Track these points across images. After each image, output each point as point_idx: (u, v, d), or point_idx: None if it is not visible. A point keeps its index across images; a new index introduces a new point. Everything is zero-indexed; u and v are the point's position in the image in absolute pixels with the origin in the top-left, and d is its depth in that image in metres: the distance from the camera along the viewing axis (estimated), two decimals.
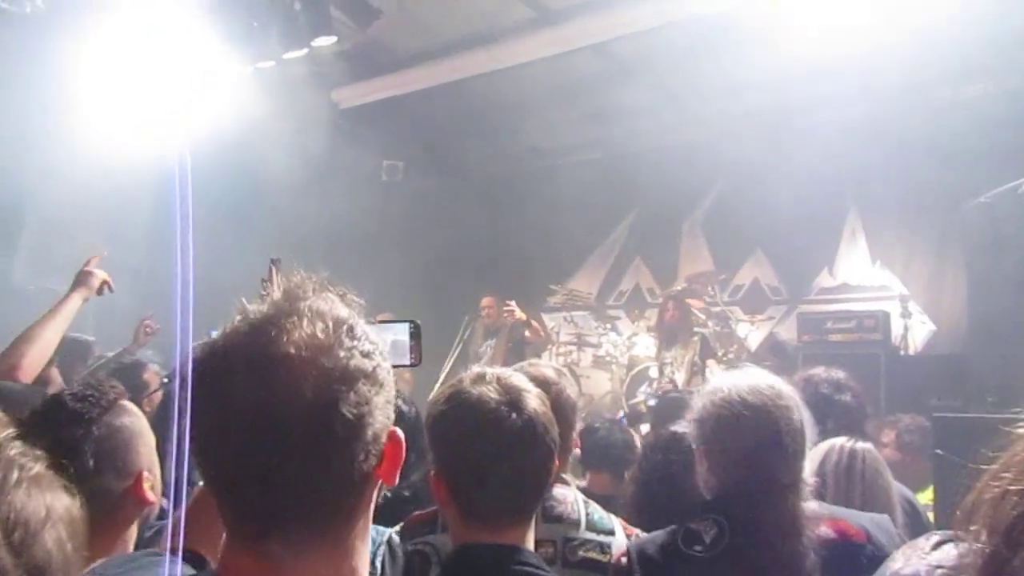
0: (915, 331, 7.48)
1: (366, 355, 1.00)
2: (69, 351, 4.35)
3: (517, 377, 1.77)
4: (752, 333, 8.74)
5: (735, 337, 8.56)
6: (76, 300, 3.00)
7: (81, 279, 3.07)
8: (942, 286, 7.91)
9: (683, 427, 2.84)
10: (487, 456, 1.64)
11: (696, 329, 7.59)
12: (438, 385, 8.06)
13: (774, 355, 8.20)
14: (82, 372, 4.45)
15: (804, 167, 7.34)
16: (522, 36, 7.40)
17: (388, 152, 9.91)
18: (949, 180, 7.03)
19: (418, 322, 1.56)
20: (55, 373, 3.81)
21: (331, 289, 1.08)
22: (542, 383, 2.08)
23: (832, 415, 2.83)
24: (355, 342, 1.00)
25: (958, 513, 0.98)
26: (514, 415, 1.66)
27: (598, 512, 2.20)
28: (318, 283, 1.07)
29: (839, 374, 3.12)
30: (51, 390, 3.28)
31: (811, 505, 1.98)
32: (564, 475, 2.26)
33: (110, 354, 5.05)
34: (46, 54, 6.85)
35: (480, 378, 1.74)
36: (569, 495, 2.20)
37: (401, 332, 1.56)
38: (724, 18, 6.54)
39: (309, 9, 6.22)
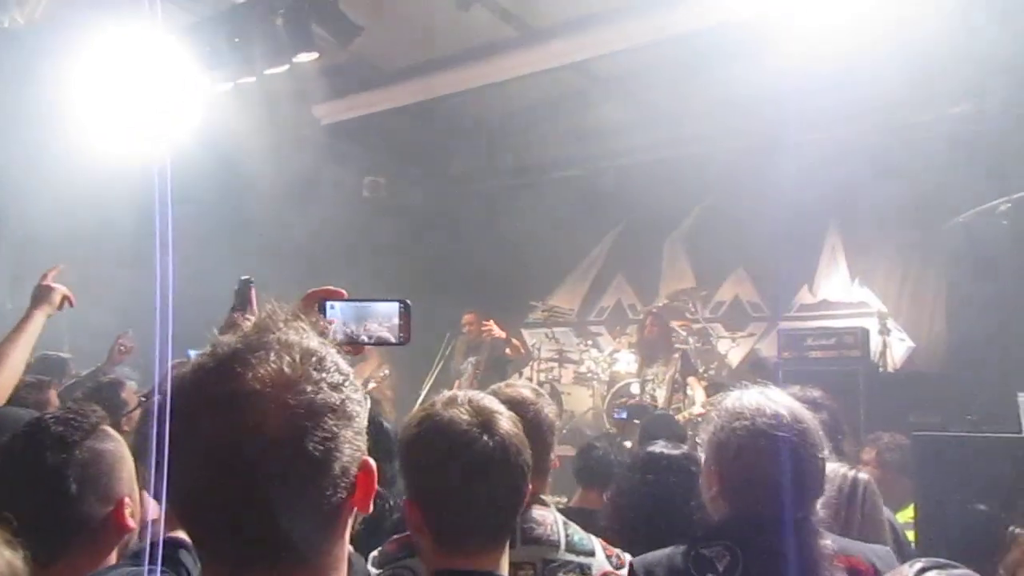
0: (894, 348, 7.52)
1: (335, 387, 0.99)
2: (45, 369, 4.27)
3: (489, 399, 1.75)
4: (733, 350, 8.77)
5: (716, 353, 8.59)
6: (39, 318, 2.90)
7: (41, 294, 2.93)
8: (921, 304, 7.98)
9: (660, 447, 2.83)
10: (458, 480, 1.62)
11: (677, 346, 7.60)
12: (419, 402, 8.03)
13: (755, 372, 8.23)
14: (58, 390, 4.37)
15: (785, 186, 7.39)
16: (504, 54, 7.43)
17: (370, 168, 9.90)
18: (929, 199, 7.10)
19: (408, 301, 1.56)
20: (53, 395, 3.71)
21: (303, 317, 1.06)
22: (519, 403, 2.07)
23: None
24: (323, 375, 0.99)
25: (1001, 571, 0.97)
26: (485, 437, 1.64)
27: (578, 533, 2.18)
28: (290, 312, 1.06)
29: (815, 392, 3.09)
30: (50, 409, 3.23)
31: (825, 540, 1.93)
32: (543, 496, 2.24)
33: (84, 372, 4.98)
34: (26, 69, 6.80)
35: (452, 401, 1.73)
36: (548, 516, 2.17)
37: (391, 310, 1.56)
38: (706, 38, 6.60)
39: (291, 25, 6.21)
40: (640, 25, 6.73)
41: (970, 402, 4.26)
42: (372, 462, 1.03)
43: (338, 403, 0.98)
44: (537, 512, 2.15)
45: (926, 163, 7.13)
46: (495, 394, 2.10)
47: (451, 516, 1.63)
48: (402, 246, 9.56)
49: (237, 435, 0.92)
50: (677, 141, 8.95)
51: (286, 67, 6.47)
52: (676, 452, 2.78)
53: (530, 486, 1.73)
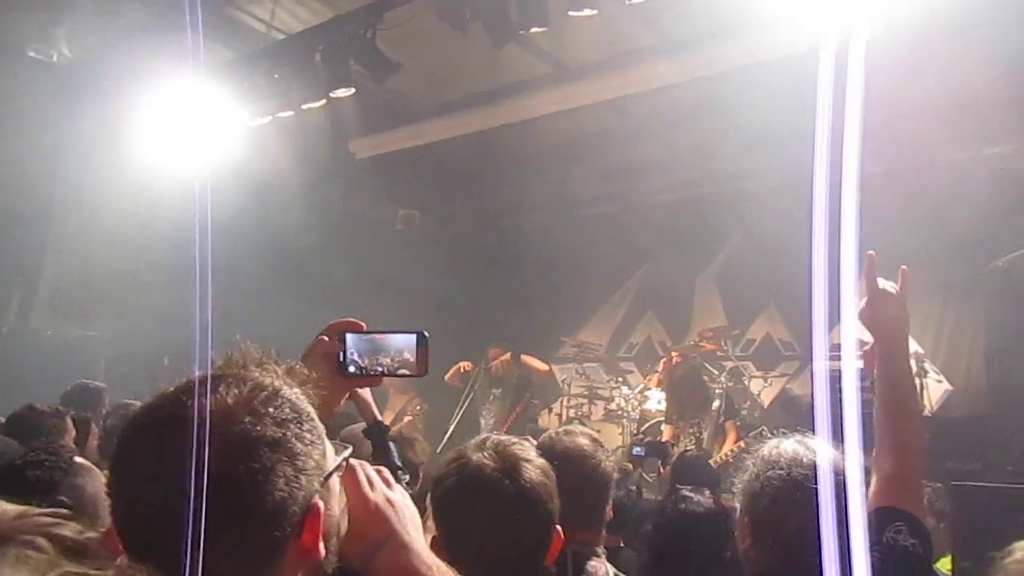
0: (931, 389, 7.37)
1: (278, 423, 0.99)
2: (81, 399, 4.30)
3: (520, 446, 1.75)
4: (765, 389, 8.65)
5: (748, 393, 8.47)
6: None
7: None
8: (959, 347, 7.83)
9: (690, 494, 2.77)
10: (478, 523, 1.63)
11: (716, 390, 7.43)
12: (446, 436, 8.01)
13: (787, 412, 8.10)
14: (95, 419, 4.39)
15: (818, 224, 7.30)
16: (538, 91, 7.48)
17: (404, 202, 9.98)
18: (967, 240, 6.99)
19: (426, 332, 1.56)
20: (69, 424, 3.71)
21: (277, 361, 1.08)
22: (578, 456, 2.05)
23: None
24: (269, 409, 0.99)
25: None
26: (507, 483, 1.65)
27: None
28: (264, 354, 1.08)
29: None
30: (67, 439, 3.27)
31: None
32: (598, 547, 2.20)
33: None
34: (72, 101, 6.98)
35: (482, 444, 1.74)
36: (600, 569, 2.14)
37: (408, 342, 1.57)
38: (737, 77, 6.59)
39: (329, 62, 6.32)
40: (672, 65, 6.76)
41: (1009, 449, 4.15)
42: (322, 506, 1.02)
43: (278, 437, 0.98)
44: (591, 564, 2.12)
45: (964, 203, 7.03)
46: (552, 441, 2.09)
47: (471, 559, 1.62)
48: (434, 279, 9.59)
49: (163, 463, 0.93)
50: (709, 179, 8.92)
51: (323, 102, 6.58)
52: (706, 500, 2.73)
53: (559, 531, 1.71)
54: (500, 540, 1.63)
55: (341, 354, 1.53)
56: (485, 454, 1.69)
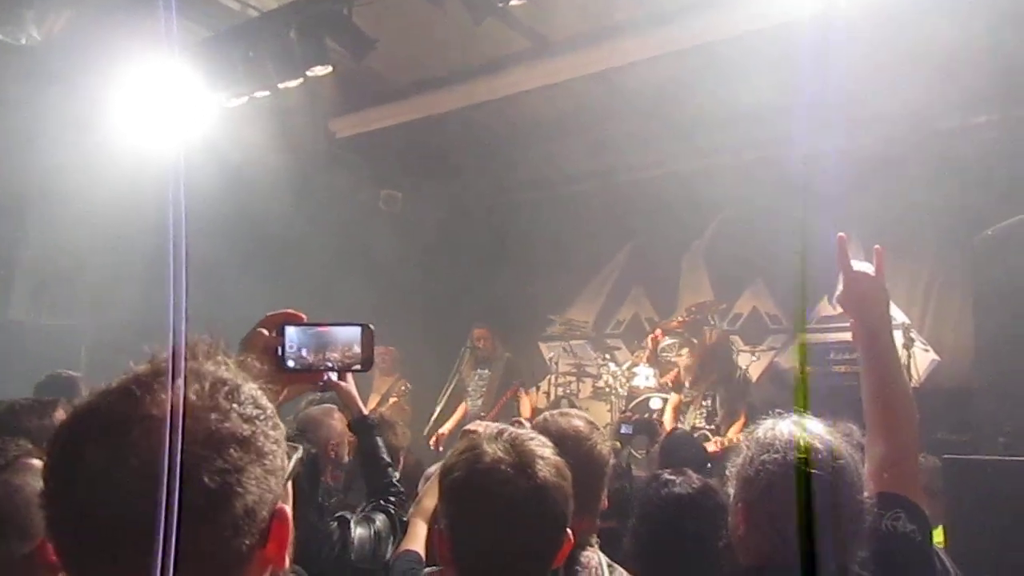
0: (918, 359, 7.38)
1: (246, 419, 0.91)
2: (53, 389, 4.17)
3: (537, 441, 1.68)
4: (754, 364, 8.63)
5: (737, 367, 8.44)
6: None
7: None
8: (945, 317, 7.84)
9: (672, 476, 2.71)
10: (487, 519, 1.57)
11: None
12: (433, 418, 7.97)
13: (775, 385, 8.10)
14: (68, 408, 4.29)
15: (805, 196, 7.27)
16: (521, 66, 7.38)
17: (386, 182, 9.88)
18: (954, 210, 6.98)
19: (371, 325, 1.47)
20: (60, 415, 3.59)
21: (228, 353, 1.01)
22: (573, 437, 1.99)
23: None
24: (234, 405, 0.92)
25: None
26: (521, 480, 1.58)
27: None
28: (212, 346, 1.00)
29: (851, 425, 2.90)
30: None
31: None
32: (591, 536, 2.12)
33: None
34: (44, 85, 6.83)
35: (497, 436, 1.67)
36: (593, 559, 2.08)
37: (353, 335, 1.47)
38: (724, 48, 6.52)
39: (304, 39, 6.19)
40: (657, 37, 6.67)
41: (1000, 421, 4.13)
42: (288, 510, 0.95)
43: (247, 435, 0.90)
44: (584, 554, 2.06)
45: (952, 173, 7.01)
46: (546, 423, 2.02)
47: (477, 554, 1.58)
48: (419, 259, 9.52)
49: (121, 463, 0.84)
50: (695, 153, 8.85)
51: (300, 81, 6.46)
52: (689, 480, 2.67)
53: (570, 534, 1.65)
54: (508, 539, 1.57)
55: (280, 348, 1.43)
56: (500, 446, 1.62)
